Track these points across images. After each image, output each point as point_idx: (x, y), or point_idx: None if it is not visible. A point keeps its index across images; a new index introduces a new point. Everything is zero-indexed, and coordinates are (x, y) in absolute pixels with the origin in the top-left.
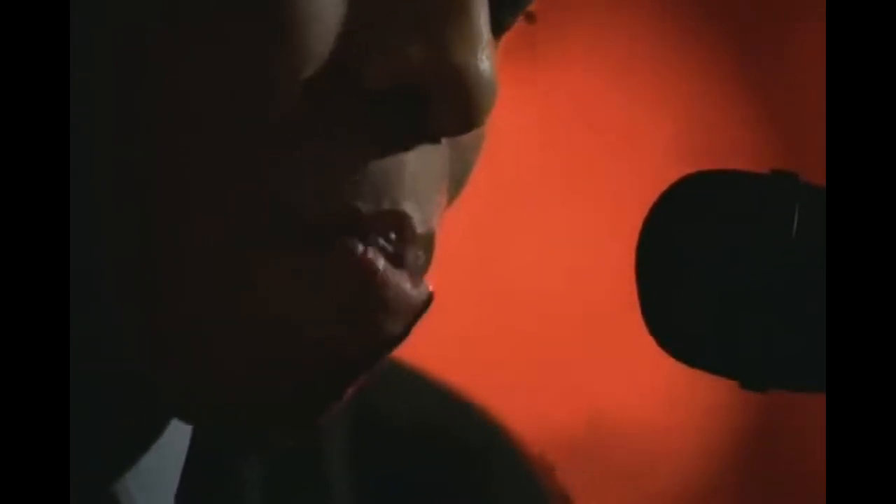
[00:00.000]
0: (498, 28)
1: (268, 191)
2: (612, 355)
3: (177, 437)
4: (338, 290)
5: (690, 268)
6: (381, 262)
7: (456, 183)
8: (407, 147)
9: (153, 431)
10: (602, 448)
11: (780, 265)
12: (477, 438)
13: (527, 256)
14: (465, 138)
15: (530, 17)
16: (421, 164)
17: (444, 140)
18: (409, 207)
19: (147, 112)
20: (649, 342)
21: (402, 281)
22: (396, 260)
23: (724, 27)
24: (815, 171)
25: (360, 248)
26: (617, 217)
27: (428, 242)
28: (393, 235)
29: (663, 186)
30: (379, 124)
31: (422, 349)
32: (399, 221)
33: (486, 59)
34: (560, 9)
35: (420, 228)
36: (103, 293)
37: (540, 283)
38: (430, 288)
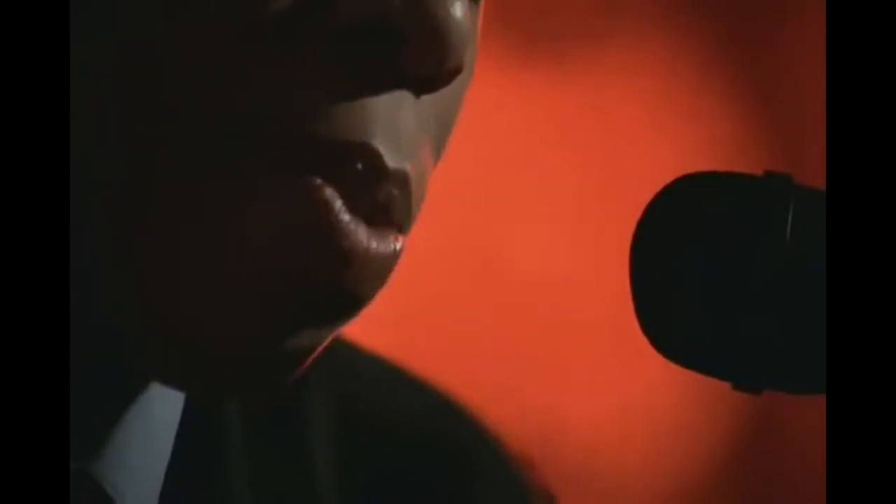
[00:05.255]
0: None
1: (235, 114)
2: (607, 356)
3: (163, 432)
4: (299, 232)
5: (684, 268)
6: (337, 204)
7: (436, 143)
8: (379, 86)
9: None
10: (597, 448)
11: (773, 266)
12: (461, 437)
13: (521, 256)
14: (443, 98)
15: None
16: (396, 111)
17: (423, 100)
18: (380, 144)
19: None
20: (643, 343)
21: (359, 232)
22: (364, 198)
23: (721, 28)
24: (814, 172)
25: (324, 189)
26: (611, 217)
27: (402, 180)
28: (360, 165)
29: (658, 187)
30: (351, 60)
31: (414, 348)
32: (367, 152)
33: (458, 5)
34: (557, 16)
35: (392, 164)
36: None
37: (534, 283)
38: (399, 243)
